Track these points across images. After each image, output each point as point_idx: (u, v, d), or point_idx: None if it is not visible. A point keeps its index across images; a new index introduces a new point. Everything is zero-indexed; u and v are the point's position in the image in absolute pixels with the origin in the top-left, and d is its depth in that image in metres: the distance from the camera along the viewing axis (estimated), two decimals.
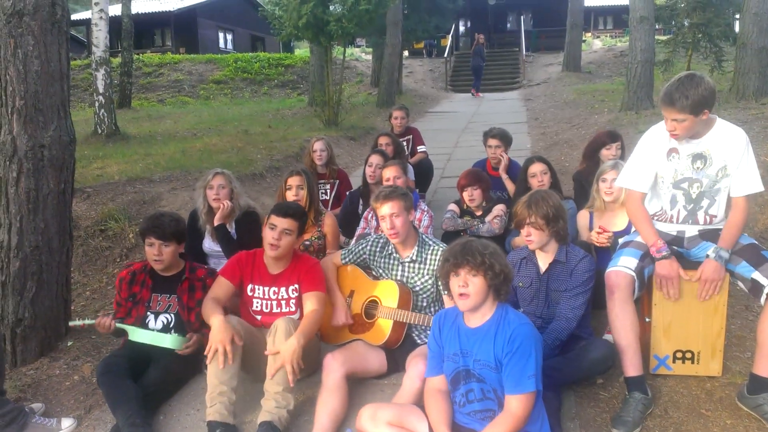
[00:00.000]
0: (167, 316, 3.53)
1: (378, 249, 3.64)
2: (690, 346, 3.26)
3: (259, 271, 3.49)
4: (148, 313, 3.53)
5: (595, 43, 27.00)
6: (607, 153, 4.85)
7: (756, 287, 2.96)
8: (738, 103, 9.60)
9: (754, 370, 3.00)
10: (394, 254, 3.56)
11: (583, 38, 23.98)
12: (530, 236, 3.28)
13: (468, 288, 2.50)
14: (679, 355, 3.28)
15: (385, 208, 3.39)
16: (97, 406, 3.39)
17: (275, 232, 3.35)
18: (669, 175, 3.15)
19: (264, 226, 3.46)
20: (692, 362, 3.28)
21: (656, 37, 12.67)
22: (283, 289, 3.46)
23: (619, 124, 9.24)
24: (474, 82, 20.88)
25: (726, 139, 3.04)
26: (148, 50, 28.23)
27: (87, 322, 3.41)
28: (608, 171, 4.06)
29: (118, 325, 3.41)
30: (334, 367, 3.14)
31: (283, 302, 3.46)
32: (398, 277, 3.54)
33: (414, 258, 3.50)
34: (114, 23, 13.53)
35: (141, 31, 25.99)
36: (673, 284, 3.12)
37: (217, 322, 3.08)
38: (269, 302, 3.48)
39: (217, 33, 31.72)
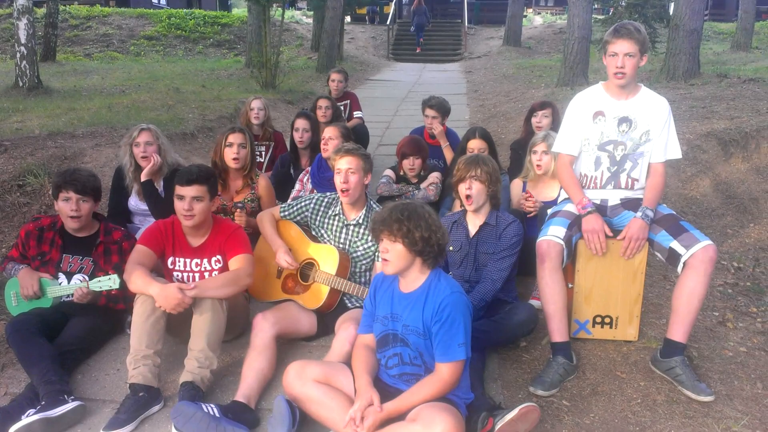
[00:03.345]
0: (82, 276, 3.38)
1: (323, 208, 3.57)
2: (609, 311, 3.39)
3: (180, 242, 3.31)
4: (60, 274, 3.39)
5: (536, 19, 27.33)
6: (534, 120, 4.99)
7: (673, 256, 3.08)
8: (668, 83, 9.92)
9: (668, 335, 3.14)
10: (341, 215, 3.51)
11: (525, 13, 24.24)
12: (471, 189, 3.31)
13: (388, 254, 2.49)
14: (598, 320, 3.40)
15: (343, 162, 3.33)
16: (10, 365, 3.24)
17: (184, 202, 3.15)
18: (595, 137, 3.24)
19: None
20: (610, 327, 3.41)
21: (594, 16, 12.90)
22: (205, 261, 3.31)
23: (555, 98, 9.34)
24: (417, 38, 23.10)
25: (650, 105, 3.20)
26: (76, 1, 26.60)
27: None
28: (539, 143, 4.13)
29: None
30: (264, 327, 3.09)
31: (206, 274, 3.30)
32: (341, 240, 3.50)
33: (360, 222, 3.47)
34: None
35: None
36: (599, 238, 3.15)
37: (161, 289, 2.93)
38: (191, 274, 3.31)
39: None
